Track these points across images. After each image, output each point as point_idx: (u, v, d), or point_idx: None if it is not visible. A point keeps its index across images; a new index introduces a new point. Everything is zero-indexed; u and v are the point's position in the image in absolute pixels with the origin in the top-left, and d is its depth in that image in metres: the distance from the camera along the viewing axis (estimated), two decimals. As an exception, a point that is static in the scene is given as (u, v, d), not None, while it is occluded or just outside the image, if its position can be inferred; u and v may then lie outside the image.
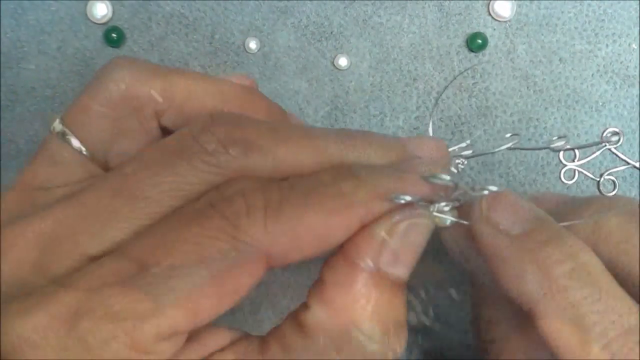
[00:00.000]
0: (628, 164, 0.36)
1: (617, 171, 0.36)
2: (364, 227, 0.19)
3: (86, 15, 0.36)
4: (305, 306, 0.20)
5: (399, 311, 0.20)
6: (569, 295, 0.19)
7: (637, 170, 0.36)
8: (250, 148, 0.19)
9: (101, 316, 0.17)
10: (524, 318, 0.20)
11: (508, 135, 0.26)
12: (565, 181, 0.36)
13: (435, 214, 0.21)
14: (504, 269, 0.20)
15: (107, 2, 0.36)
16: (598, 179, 0.36)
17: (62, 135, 0.22)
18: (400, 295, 0.20)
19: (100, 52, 0.36)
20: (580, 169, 0.36)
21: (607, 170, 0.36)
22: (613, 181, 0.36)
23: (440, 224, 0.21)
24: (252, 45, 0.36)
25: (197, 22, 0.36)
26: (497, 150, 0.25)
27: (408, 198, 0.19)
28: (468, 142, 0.26)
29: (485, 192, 0.20)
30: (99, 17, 0.36)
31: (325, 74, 0.36)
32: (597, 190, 0.36)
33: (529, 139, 0.36)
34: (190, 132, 0.20)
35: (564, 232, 0.20)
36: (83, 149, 0.22)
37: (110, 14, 0.36)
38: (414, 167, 0.21)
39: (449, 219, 0.21)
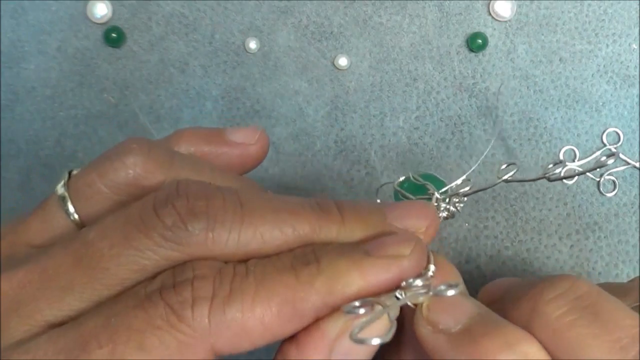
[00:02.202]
0: (628, 164, 0.36)
1: (617, 171, 0.36)
2: (318, 320, 0.19)
3: (86, 15, 0.36)
4: None
5: None
6: None
7: (637, 170, 0.36)
8: (212, 225, 0.19)
9: None
10: None
11: (504, 166, 0.24)
12: (566, 181, 0.36)
13: (400, 296, 0.20)
14: None
15: (107, 2, 0.36)
16: (598, 179, 0.36)
17: (62, 199, 0.22)
18: None
19: (100, 52, 0.36)
20: (580, 169, 0.36)
21: (607, 171, 0.36)
22: (613, 181, 0.36)
23: (412, 303, 0.20)
24: (252, 45, 0.36)
25: (197, 22, 0.36)
26: (496, 183, 0.24)
27: (362, 311, 0.18)
28: (464, 177, 0.25)
29: (452, 291, 0.19)
30: (99, 17, 0.36)
31: (325, 74, 0.36)
32: (597, 190, 0.36)
33: (529, 139, 0.36)
34: (153, 201, 0.19)
35: (504, 322, 0.19)
36: (77, 217, 0.22)
37: (110, 14, 0.36)
38: (386, 245, 0.20)
39: (409, 303, 0.20)
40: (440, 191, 0.24)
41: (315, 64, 0.36)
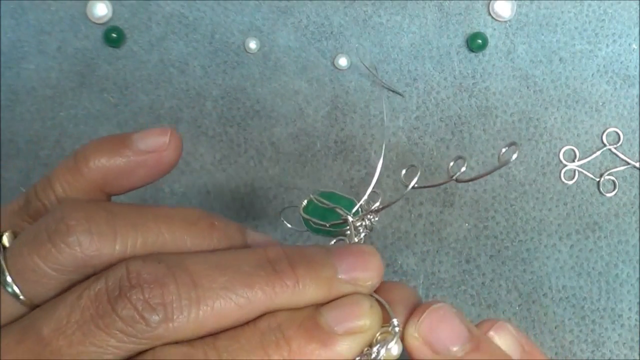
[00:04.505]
0: (628, 164, 0.36)
1: (617, 171, 0.36)
2: None
3: (86, 15, 0.36)
4: None
5: None
6: None
7: (637, 170, 0.36)
8: (170, 315, 0.19)
9: None
10: None
11: (404, 171, 0.23)
12: (565, 181, 0.36)
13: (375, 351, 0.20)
14: None
15: (107, 2, 0.36)
16: (598, 179, 0.36)
17: (7, 283, 0.21)
18: None
19: (100, 52, 0.36)
20: (580, 169, 0.36)
21: (607, 170, 0.36)
22: (613, 181, 0.36)
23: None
24: (252, 45, 0.36)
25: (197, 22, 0.36)
26: (404, 193, 0.23)
27: None
28: (369, 191, 0.24)
29: None
30: (99, 17, 0.36)
31: (325, 74, 0.36)
32: (597, 190, 0.36)
33: (529, 139, 0.36)
34: (106, 292, 0.19)
35: (499, 350, 0.21)
36: (23, 298, 0.21)
37: (110, 14, 0.36)
38: (348, 319, 0.20)
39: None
40: (352, 212, 0.24)
41: (315, 64, 0.36)
